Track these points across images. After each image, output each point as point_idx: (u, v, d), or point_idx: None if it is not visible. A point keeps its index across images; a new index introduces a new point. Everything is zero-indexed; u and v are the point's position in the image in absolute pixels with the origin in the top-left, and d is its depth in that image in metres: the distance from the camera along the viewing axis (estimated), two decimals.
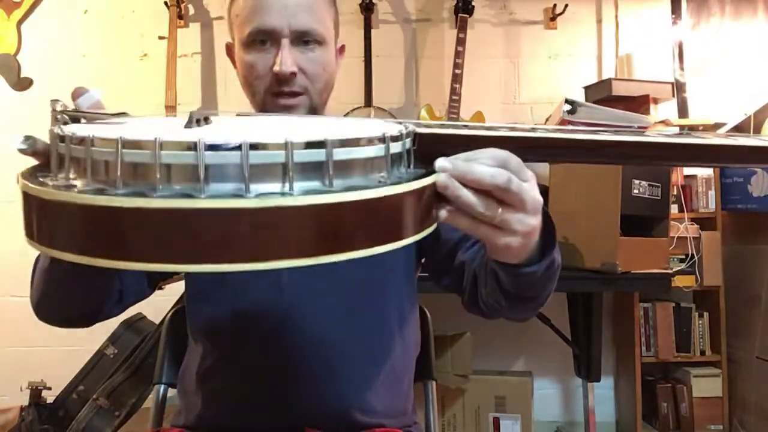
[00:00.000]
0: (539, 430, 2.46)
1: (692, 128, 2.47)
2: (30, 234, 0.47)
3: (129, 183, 0.41)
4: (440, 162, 0.49)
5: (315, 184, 0.42)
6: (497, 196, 0.51)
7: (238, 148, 0.40)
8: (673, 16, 2.60)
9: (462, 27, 2.47)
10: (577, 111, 2.04)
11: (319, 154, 0.42)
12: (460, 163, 0.50)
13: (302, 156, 0.42)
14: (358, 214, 0.43)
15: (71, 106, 0.60)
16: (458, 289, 0.87)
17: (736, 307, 2.44)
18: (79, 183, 0.44)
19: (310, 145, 0.42)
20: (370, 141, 0.45)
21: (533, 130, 0.54)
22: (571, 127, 0.56)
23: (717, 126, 2.49)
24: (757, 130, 2.49)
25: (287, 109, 0.87)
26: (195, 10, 2.60)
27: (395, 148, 0.48)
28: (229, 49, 0.95)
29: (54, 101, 0.55)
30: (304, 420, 0.83)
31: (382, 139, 0.46)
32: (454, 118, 2.44)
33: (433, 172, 0.49)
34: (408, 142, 0.50)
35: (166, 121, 0.57)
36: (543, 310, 2.14)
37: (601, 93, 2.28)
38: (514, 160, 0.51)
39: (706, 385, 2.40)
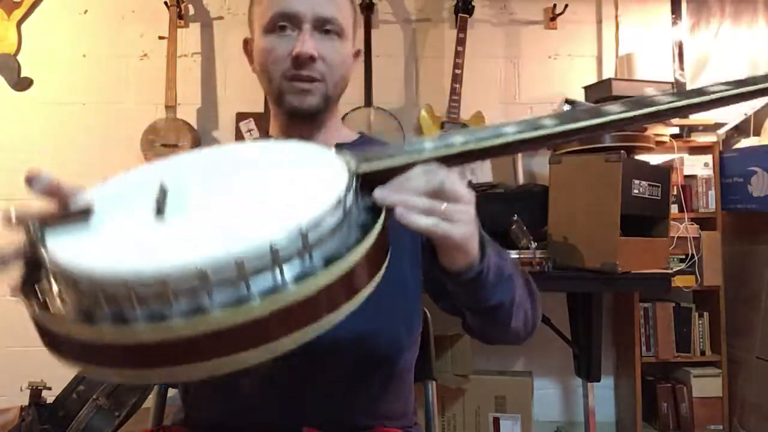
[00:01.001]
0: (539, 430, 2.46)
1: (692, 128, 2.47)
2: (53, 349, 0.51)
3: (144, 306, 0.45)
4: (377, 192, 0.58)
5: (296, 264, 0.48)
6: (437, 197, 0.59)
7: (233, 261, 0.45)
8: (673, 16, 2.60)
9: (462, 27, 2.47)
10: None
11: (297, 242, 0.48)
12: (396, 183, 0.59)
13: (286, 249, 0.47)
14: (346, 278, 0.50)
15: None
16: (456, 312, 0.89)
17: (736, 307, 2.44)
18: (94, 308, 0.47)
19: (290, 238, 0.47)
20: (332, 210, 0.51)
21: (451, 146, 0.63)
22: (480, 135, 0.64)
23: (717, 126, 2.49)
24: (757, 131, 2.49)
25: (303, 93, 0.88)
26: (195, 10, 2.61)
27: (349, 200, 0.53)
28: (246, 45, 0.96)
29: (10, 212, 0.56)
30: (303, 420, 0.83)
31: (341, 202, 0.52)
32: (454, 118, 2.44)
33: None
34: (355, 184, 0.56)
35: (133, 210, 0.58)
36: (543, 310, 2.14)
37: (601, 93, 2.28)
38: (441, 167, 0.61)
39: (706, 385, 2.40)
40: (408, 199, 0.58)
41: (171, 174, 0.62)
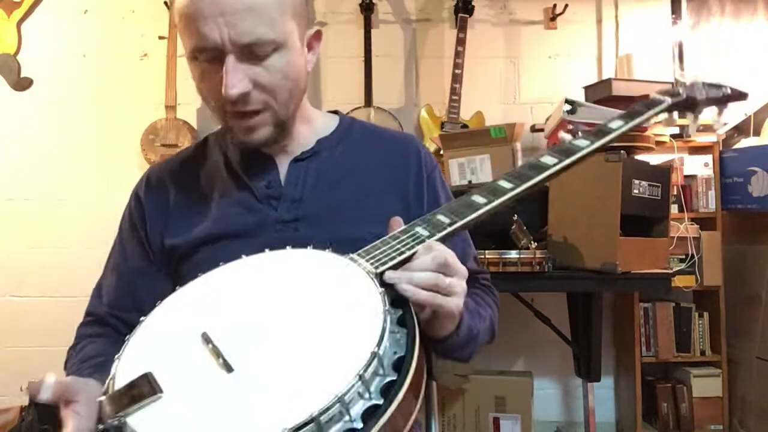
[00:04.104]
0: (539, 430, 2.46)
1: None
2: None
3: None
4: (388, 274, 0.65)
5: (360, 403, 0.54)
6: (440, 272, 0.65)
7: (313, 423, 0.50)
8: (673, 16, 2.60)
9: (462, 27, 2.47)
10: (577, 111, 2.04)
11: (358, 387, 0.54)
12: (407, 264, 0.66)
13: (350, 397, 0.53)
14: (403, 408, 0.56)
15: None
16: None
17: (736, 307, 2.44)
18: None
19: (351, 385, 0.53)
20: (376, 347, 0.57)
21: (442, 227, 0.72)
22: (460, 211, 0.75)
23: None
24: (757, 131, 2.49)
25: (249, 130, 0.79)
26: None
27: (387, 327, 0.59)
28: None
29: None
30: None
31: (361, 374, 0.55)
32: (454, 118, 2.44)
33: (403, 313, 0.63)
34: (388, 311, 0.60)
35: (197, 375, 0.60)
36: (543, 310, 2.15)
37: (601, 93, 2.28)
38: (438, 244, 0.68)
39: (706, 385, 2.40)
40: (419, 277, 0.64)
41: (206, 322, 0.65)
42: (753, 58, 2.63)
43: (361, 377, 0.53)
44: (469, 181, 2.15)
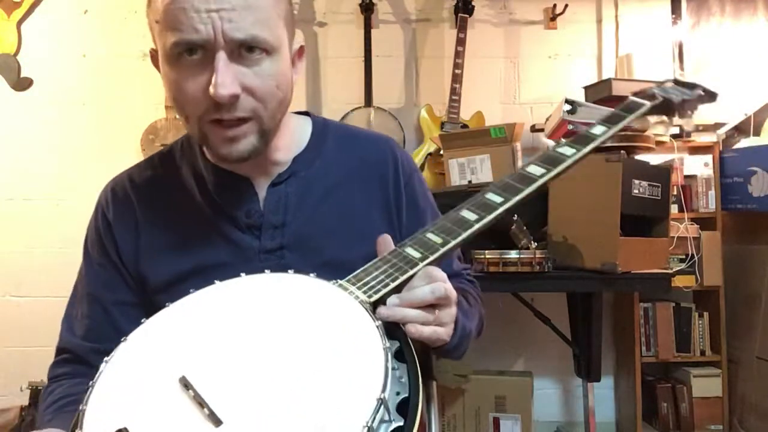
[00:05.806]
0: (539, 430, 2.46)
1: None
2: None
3: None
4: (390, 299, 0.65)
5: None
6: (437, 303, 0.67)
7: None
8: (673, 16, 2.60)
9: (462, 27, 2.47)
10: (577, 111, 2.03)
11: None
12: (406, 294, 0.65)
13: None
14: None
15: None
16: None
17: (736, 307, 2.44)
18: None
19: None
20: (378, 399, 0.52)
21: (434, 250, 0.70)
22: (451, 229, 0.73)
23: (717, 126, 2.49)
24: (757, 131, 2.49)
25: (231, 141, 0.72)
26: None
27: (389, 368, 0.55)
28: (153, 57, 0.77)
29: None
30: None
31: (381, 401, 0.52)
32: (454, 118, 2.44)
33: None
34: (389, 352, 0.57)
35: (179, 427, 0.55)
36: (543, 310, 2.15)
37: (601, 93, 2.28)
38: (436, 271, 0.67)
39: (706, 385, 2.40)
40: (407, 315, 0.64)
41: (182, 363, 0.58)
42: (753, 58, 2.63)
43: (369, 429, 0.49)
44: (469, 181, 2.15)
